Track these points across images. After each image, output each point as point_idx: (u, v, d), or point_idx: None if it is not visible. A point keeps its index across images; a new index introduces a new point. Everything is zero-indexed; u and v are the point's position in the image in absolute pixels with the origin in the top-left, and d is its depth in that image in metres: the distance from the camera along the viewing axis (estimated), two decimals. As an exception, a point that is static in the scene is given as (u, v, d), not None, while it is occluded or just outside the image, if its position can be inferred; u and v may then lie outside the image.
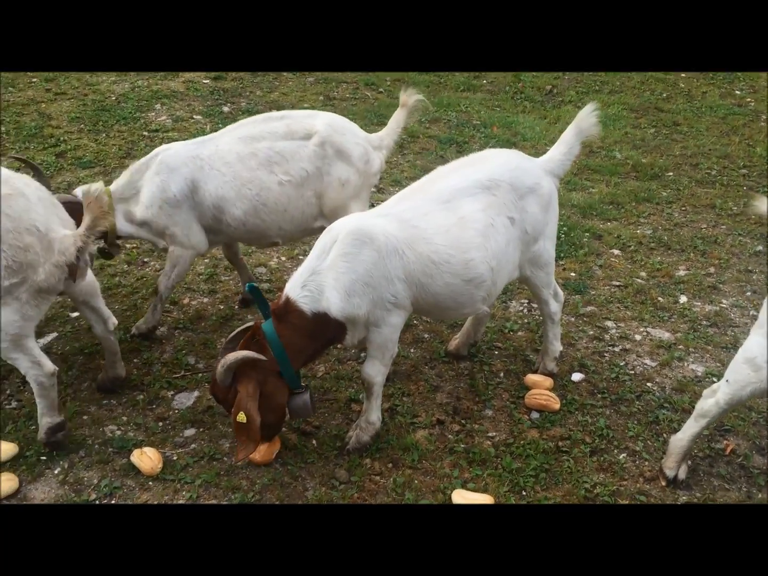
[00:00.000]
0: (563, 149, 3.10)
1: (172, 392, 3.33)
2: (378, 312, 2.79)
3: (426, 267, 2.79)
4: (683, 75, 7.50)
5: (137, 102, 6.22)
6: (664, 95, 7.03)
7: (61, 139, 5.52)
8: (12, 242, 2.59)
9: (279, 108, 6.31)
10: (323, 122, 3.38)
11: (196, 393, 3.33)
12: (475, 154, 3.11)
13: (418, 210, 2.83)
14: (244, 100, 6.44)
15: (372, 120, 6.15)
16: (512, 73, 7.24)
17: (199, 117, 6.09)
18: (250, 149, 3.30)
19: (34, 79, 6.59)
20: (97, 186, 2.69)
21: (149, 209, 3.33)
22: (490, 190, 2.90)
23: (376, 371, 2.91)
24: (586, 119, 3.07)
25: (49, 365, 2.77)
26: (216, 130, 5.91)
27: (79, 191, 3.34)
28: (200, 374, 3.43)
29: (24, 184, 2.75)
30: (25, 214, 2.64)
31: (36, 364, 2.75)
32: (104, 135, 5.69)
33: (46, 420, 2.86)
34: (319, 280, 2.73)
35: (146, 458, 2.86)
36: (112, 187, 3.39)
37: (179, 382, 3.39)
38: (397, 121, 3.64)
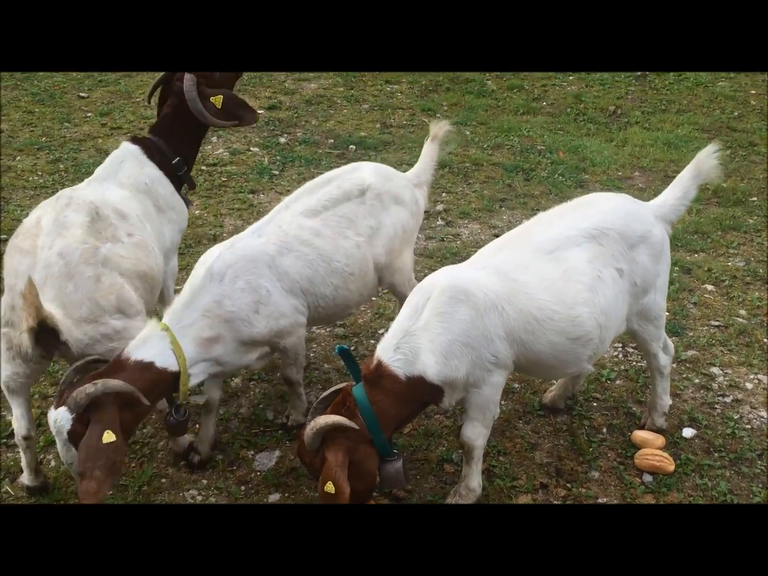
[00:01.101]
0: (677, 193, 2.85)
1: (252, 452, 3.14)
2: (478, 372, 2.58)
3: (528, 324, 2.57)
4: (753, 92, 7.18)
5: (193, 135, 6.12)
6: (736, 114, 6.72)
7: (120, 175, 5.43)
8: (7, 298, 2.63)
9: (336, 137, 6.17)
10: (370, 173, 3.19)
11: (277, 452, 3.14)
12: (580, 199, 2.88)
13: (518, 262, 2.62)
14: (300, 130, 6.31)
15: (433, 148, 5.95)
16: (573, 95, 7.00)
17: (256, 149, 5.96)
18: (320, 222, 3.01)
19: (89, 114, 6.55)
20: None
21: (248, 322, 2.77)
22: (597, 240, 2.67)
23: (476, 434, 2.69)
24: (705, 161, 2.81)
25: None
26: (274, 163, 5.85)
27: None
28: (280, 431, 3.24)
29: (46, 245, 2.65)
30: (25, 276, 2.54)
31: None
32: (162, 170, 5.58)
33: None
34: (413, 342, 2.53)
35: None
36: (167, 318, 2.70)
37: (259, 440, 3.20)
38: (430, 154, 3.46)
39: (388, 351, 2.55)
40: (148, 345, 2.60)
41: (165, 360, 2.61)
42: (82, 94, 6.89)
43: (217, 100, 3.26)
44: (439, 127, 3.42)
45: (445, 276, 2.60)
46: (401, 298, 3.25)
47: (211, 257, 2.87)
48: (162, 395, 2.70)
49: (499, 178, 5.51)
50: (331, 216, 3.03)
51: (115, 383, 2.43)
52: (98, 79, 7.22)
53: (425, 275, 4.36)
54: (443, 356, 2.50)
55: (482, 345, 2.53)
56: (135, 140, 3.27)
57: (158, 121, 3.34)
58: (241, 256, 2.82)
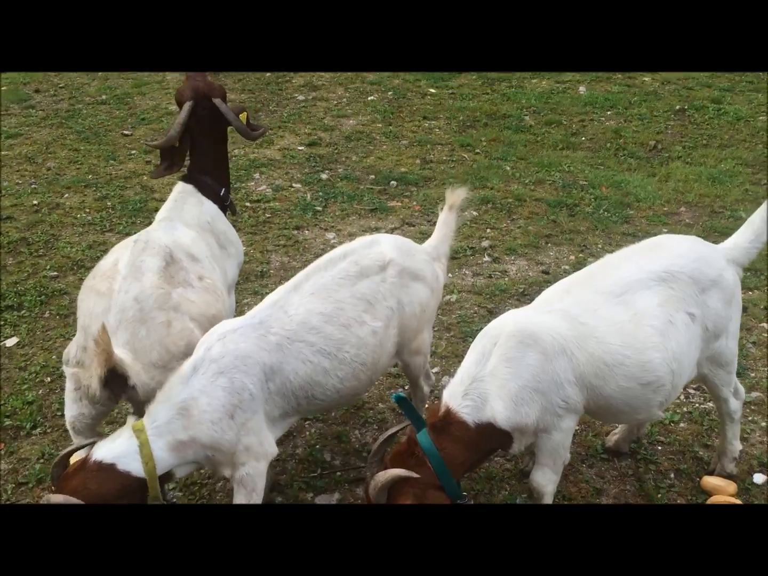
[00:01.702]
0: (749, 236, 2.80)
1: (311, 494, 3.10)
2: (548, 418, 2.54)
3: (598, 369, 2.53)
4: (795, 125, 7.12)
5: (236, 171, 6.19)
6: (778, 148, 6.66)
7: (166, 212, 5.49)
8: (79, 338, 2.66)
9: (377, 173, 6.20)
10: (391, 247, 2.86)
11: (336, 495, 3.10)
12: (648, 240, 2.84)
13: (587, 305, 2.58)
14: (340, 166, 6.35)
15: (474, 183, 5.95)
16: (611, 129, 6.99)
17: (298, 185, 6.01)
18: (333, 305, 2.66)
19: (133, 151, 6.65)
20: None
21: (215, 426, 2.44)
22: (668, 283, 2.63)
23: (546, 480, 2.64)
24: None
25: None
26: (317, 199, 5.88)
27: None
28: (338, 473, 3.20)
29: (122, 290, 2.66)
30: (99, 319, 2.60)
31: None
32: (207, 207, 5.63)
33: None
34: (481, 387, 2.50)
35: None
36: (146, 419, 2.45)
37: (317, 482, 3.16)
38: (447, 224, 3.18)
39: (456, 397, 2.52)
40: (114, 444, 2.41)
41: (127, 464, 2.36)
42: (125, 132, 7.01)
43: (243, 116, 3.30)
44: (456, 195, 3.18)
45: (512, 320, 2.57)
46: (413, 379, 3.15)
47: (207, 339, 2.57)
48: (130, 497, 2.39)
49: (543, 214, 5.49)
50: (347, 297, 2.68)
51: (57, 497, 2.25)
52: (141, 117, 7.35)
53: (474, 312, 4.39)
54: (513, 402, 2.47)
55: (552, 390, 2.49)
56: (187, 179, 3.30)
57: (194, 155, 3.32)
58: (232, 350, 2.47)
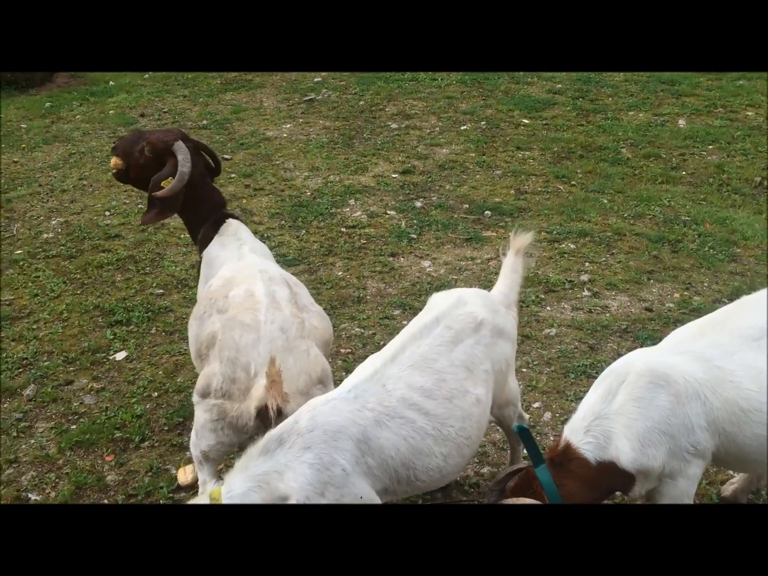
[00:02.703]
0: None
1: (412, 525, 3.06)
2: (674, 463, 2.44)
3: (733, 415, 2.42)
4: None
5: (331, 197, 6.29)
6: None
7: (265, 235, 5.63)
8: (226, 370, 2.65)
9: (471, 202, 6.18)
10: (479, 306, 2.73)
11: (438, 528, 3.05)
12: None
13: (723, 348, 2.48)
14: (434, 194, 6.37)
15: (570, 216, 5.87)
16: (714, 164, 6.78)
17: (392, 212, 6.05)
18: (434, 377, 2.49)
19: (233, 175, 6.85)
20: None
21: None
22: None
23: (667, 529, 2.52)
24: None
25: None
26: (411, 227, 5.91)
27: None
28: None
29: (268, 320, 2.70)
30: (248, 350, 2.63)
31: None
32: (304, 231, 5.75)
33: None
34: (605, 425, 2.43)
35: None
36: (224, 488, 2.32)
37: (419, 513, 3.12)
38: (515, 270, 3.05)
39: (577, 433, 2.47)
40: None
41: None
42: (225, 156, 7.24)
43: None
44: (523, 239, 3.05)
45: (642, 359, 2.50)
46: (506, 428, 3.06)
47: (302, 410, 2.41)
48: None
49: (644, 249, 5.34)
50: (447, 367, 2.53)
51: None
52: (240, 142, 7.59)
53: (575, 347, 4.29)
54: (640, 443, 2.39)
55: (682, 434, 2.40)
56: (227, 215, 3.38)
57: (218, 195, 3.45)
58: (321, 423, 2.30)
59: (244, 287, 2.84)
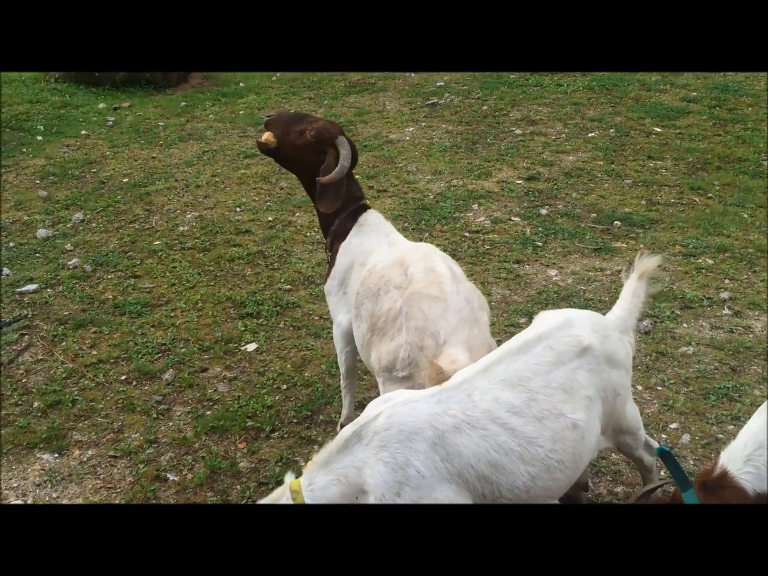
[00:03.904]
0: None
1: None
2: None
3: None
4: None
5: (454, 201, 6.27)
6: None
7: (389, 236, 5.66)
8: (414, 338, 2.73)
9: (599, 212, 6.00)
10: (588, 330, 2.59)
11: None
12: None
13: None
14: (560, 202, 6.22)
15: (707, 229, 5.58)
16: None
17: (517, 219, 5.96)
18: (525, 395, 2.40)
19: (357, 176, 6.93)
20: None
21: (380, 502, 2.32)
22: None
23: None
24: None
25: None
26: (536, 234, 5.79)
27: None
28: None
29: (454, 291, 2.80)
30: (437, 319, 2.71)
31: None
32: (427, 234, 5.75)
33: None
34: None
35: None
36: (303, 480, 2.37)
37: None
38: (636, 294, 2.86)
39: (736, 462, 2.33)
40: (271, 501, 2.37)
41: None
42: (350, 157, 7.36)
43: None
44: (649, 263, 2.87)
45: None
46: (630, 456, 2.92)
47: (377, 405, 2.44)
48: None
49: (790, 268, 5.01)
50: (540, 387, 2.42)
51: None
52: (363, 144, 7.68)
53: (715, 368, 4.06)
54: None
55: None
56: (366, 206, 3.44)
57: (358, 189, 3.49)
58: (397, 422, 2.28)
59: (423, 265, 2.94)
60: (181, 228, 6.02)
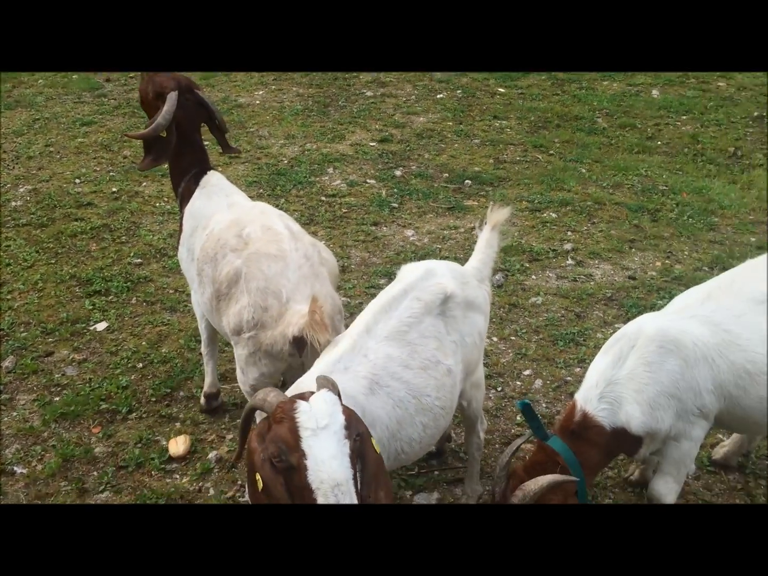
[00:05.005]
0: None
1: (410, 492, 3.07)
2: (680, 425, 2.48)
3: (739, 378, 2.45)
4: None
5: (309, 165, 6.19)
6: None
7: (244, 204, 5.50)
8: (256, 300, 2.70)
9: (450, 171, 6.14)
10: (448, 279, 2.64)
11: (435, 494, 3.07)
12: None
13: (730, 311, 2.50)
14: (413, 163, 6.31)
15: (550, 185, 5.87)
16: (688, 135, 6.85)
17: (372, 181, 5.98)
18: (407, 348, 2.44)
19: (207, 143, 6.67)
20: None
21: None
22: None
23: (668, 489, 2.57)
24: None
25: None
26: (392, 195, 5.85)
27: None
28: (436, 472, 3.16)
29: (292, 248, 2.77)
30: (277, 278, 2.69)
31: None
32: (284, 200, 5.64)
33: None
34: (617, 391, 2.45)
35: None
36: None
37: (416, 481, 3.12)
38: (490, 244, 2.95)
39: (592, 401, 2.48)
40: None
41: None
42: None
43: None
44: (499, 215, 2.95)
45: (652, 324, 2.50)
46: (472, 421, 2.93)
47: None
48: None
49: (624, 218, 5.38)
50: (417, 338, 2.45)
51: None
52: (212, 109, 7.38)
53: (562, 315, 4.31)
54: (649, 407, 2.42)
55: (689, 397, 2.43)
56: (209, 168, 3.34)
57: (196, 147, 3.29)
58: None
59: (259, 224, 2.88)
60: (13, 203, 5.53)
